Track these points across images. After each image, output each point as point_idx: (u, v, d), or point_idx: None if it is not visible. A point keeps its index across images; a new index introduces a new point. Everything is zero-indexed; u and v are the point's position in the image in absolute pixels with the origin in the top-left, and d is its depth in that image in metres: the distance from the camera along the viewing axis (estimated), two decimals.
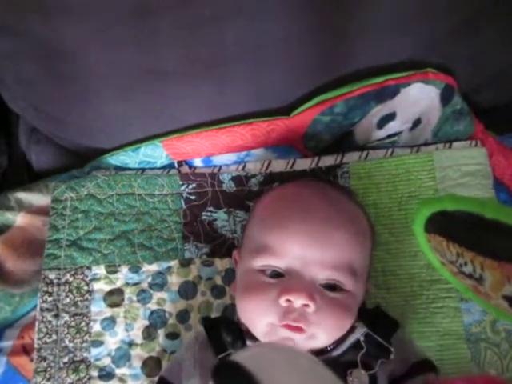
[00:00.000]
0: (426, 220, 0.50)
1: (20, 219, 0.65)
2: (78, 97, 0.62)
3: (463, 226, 0.45)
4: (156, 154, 0.67)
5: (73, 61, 0.57)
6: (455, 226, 0.47)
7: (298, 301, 0.47)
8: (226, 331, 0.51)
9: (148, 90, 0.60)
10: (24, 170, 0.75)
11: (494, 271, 0.45)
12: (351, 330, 0.50)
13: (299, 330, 0.47)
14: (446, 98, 0.64)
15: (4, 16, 0.54)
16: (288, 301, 0.47)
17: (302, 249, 0.49)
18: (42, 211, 0.66)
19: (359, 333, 0.50)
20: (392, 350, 0.48)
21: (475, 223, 0.43)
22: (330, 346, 0.49)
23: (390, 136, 0.66)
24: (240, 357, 0.35)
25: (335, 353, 0.49)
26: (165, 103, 0.62)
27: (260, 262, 0.50)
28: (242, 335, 0.51)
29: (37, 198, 0.66)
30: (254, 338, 0.50)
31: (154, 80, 0.59)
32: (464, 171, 0.62)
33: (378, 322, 0.51)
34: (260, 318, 0.49)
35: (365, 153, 0.66)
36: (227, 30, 0.54)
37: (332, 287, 0.49)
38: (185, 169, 0.68)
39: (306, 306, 0.47)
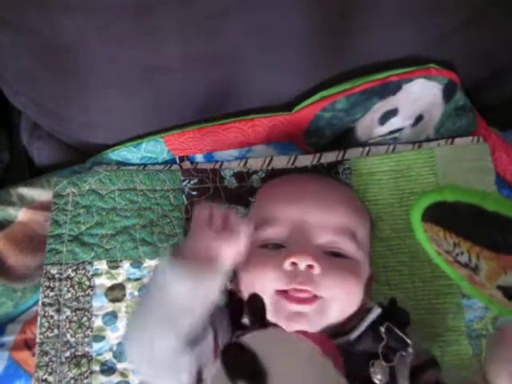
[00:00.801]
0: (423, 209, 0.50)
1: (22, 214, 0.65)
2: (79, 92, 0.62)
3: (462, 216, 0.45)
4: (157, 149, 0.67)
5: (74, 56, 0.57)
6: (454, 217, 0.47)
7: (303, 262, 0.47)
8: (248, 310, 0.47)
9: (149, 86, 0.60)
10: (26, 166, 0.75)
11: (490, 261, 0.46)
12: (367, 310, 0.50)
13: (305, 301, 0.46)
14: (448, 94, 0.64)
15: (5, 11, 0.54)
16: (293, 264, 0.47)
17: (303, 214, 0.50)
18: (43, 206, 0.66)
19: (375, 313, 0.50)
20: (410, 343, 0.48)
21: (475, 214, 0.43)
22: (347, 327, 0.49)
23: (391, 132, 0.66)
24: (248, 339, 0.36)
25: (354, 334, 0.48)
26: (166, 99, 0.62)
27: (262, 236, 0.50)
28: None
29: (38, 194, 0.67)
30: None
31: (155, 76, 0.59)
32: (466, 167, 0.62)
33: (394, 314, 0.51)
34: (266, 285, 0.47)
35: (366, 149, 0.65)
36: (229, 27, 0.54)
37: (336, 254, 0.50)
38: (186, 164, 0.68)
39: (311, 267, 0.47)
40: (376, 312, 0.50)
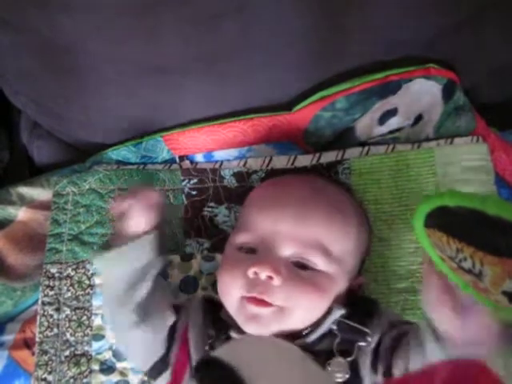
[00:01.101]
0: (426, 215, 0.50)
1: (22, 214, 0.66)
2: (79, 92, 0.62)
3: (464, 221, 0.45)
4: (157, 148, 0.67)
5: (74, 56, 0.57)
6: (456, 222, 0.47)
7: (263, 273, 0.48)
8: (212, 323, 0.51)
9: (149, 85, 0.60)
10: (25, 165, 0.75)
11: (494, 267, 0.45)
12: (328, 312, 0.49)
13: (264, 303, 0.47)
14: (447, 93, 0.64)
15: (5, 11, 0.54)
16: (255, 273, 0.48)
17: (274, 223, 0.50)
18: (43, 206, 0.66)
19: (336, 314, 0.49)
20: (368, 331, 0.48)
21: (476, 219, 0.43)
22: (305, 331, 0.49)
23: (391, 132, 0.66)
24: (221, 352, 0.35)
25: (311, 338, 0.48)
26: (166, 98, 0.62)
27: (238, 240, 0.52)
28: (226, 327, 0.50)
29: (38, 193, 0.67)
30: (237, 329, 0.50)
31: (155, 75, 0.59)
32: (465, 167, 0.62)
33: (355, 306, 0.50)
34: (231, 290, 0.50)
35: (366, 149, 0.65)
36: (229, 26, 0.54)
37: (303, 266, 0.50)
38: (186, 164, 0.68)
39: (271, 278, 0.47)
40: (336, 314, 0.49)
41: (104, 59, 0.57)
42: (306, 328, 0.49)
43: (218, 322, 0.51)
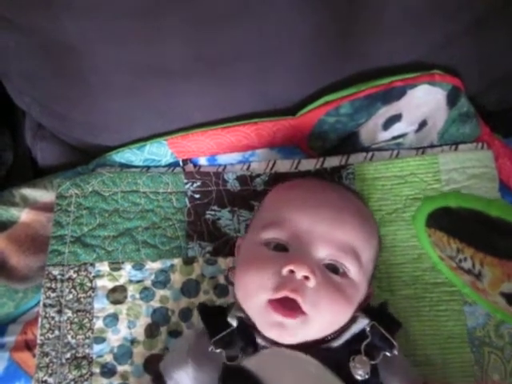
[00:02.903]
0: (427, 215, 0.50)
1: (24, 215, 0.65)
2: (83, 93, 0.62)
3: (466, 222, 0.45)
4: (161, 151, 0.67)
5: (78, 57, 0.57)
6: (457, 223, 0.47)
7: (301, 272, 0.45)
8: (238, 337, 0.48)
9: (153, 88, 0.60)
10: (29, 167, 0.75)
11: (493, 268, 0.45)
12: (352, 320, 0.49)
13: (290, 313, 0.46)
14: (452, 100, 0.64)
15: (9, 11, 0.54)
16: (291, 272, 0.46)
17: (311, 222, 0.49)
18: (46, 207, 0.66)
19: (361, 324, 0.49)
20: (396, 344, 0.48)
21: (479, 221, 0.43)
22: (329, 336, 0.48)
23: (395, 137, 0.66)
24: (247, 362, 0.35)
25: (335, 343, 0.48)
26: (170, 101, 0.62)
27: (265, 236, 0.50)
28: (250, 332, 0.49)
29: (41, 195, 0.67)
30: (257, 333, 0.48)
31: (160, 78, 0.59)
32: (470, 174, 0.62)
33: (383, 317, 0.51)
34: (259, 292, 0.47)
35: (370, 154, 0.65)
36: (234, 29, 0.54)
37: (335, 270, 0.49)
38: (189, 167, 0.68)
39: (307, 278, 0.46)
40: (361, 323, 0.49)
41: (107, 61, 0.57)
42: (330, 334, 0.49)
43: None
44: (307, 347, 0.47)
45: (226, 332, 0.48)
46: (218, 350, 0.47)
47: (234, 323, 0.49)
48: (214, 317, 0.51)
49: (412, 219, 0.56)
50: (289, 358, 0.39)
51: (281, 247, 0.49)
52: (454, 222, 0.47)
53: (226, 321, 0.50)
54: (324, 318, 0.47)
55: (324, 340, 0.48)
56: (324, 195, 0.53)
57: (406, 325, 0.58)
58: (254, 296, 0.48)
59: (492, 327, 0.57)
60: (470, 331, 0.58)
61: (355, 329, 0.49)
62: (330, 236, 0.49)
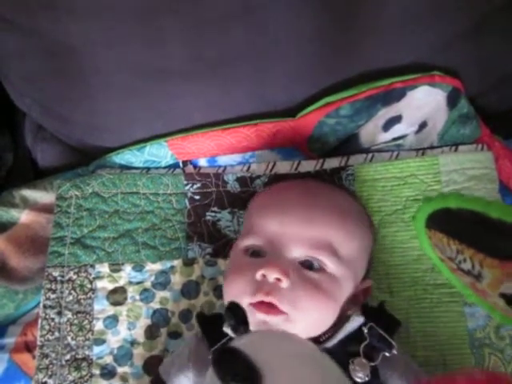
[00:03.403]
0: (427, 216, 0.50)
1: (24, 216, 0.65)
2: (84, 95, 0.62)
3: (465, 223, 0.45)
4: (161, 153, 0.67)
5: (79, 58, 0.57)
6: (457, 224, 0.47)
7: (272, 275, 0.47)
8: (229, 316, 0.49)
9: (154, 89, 0.61)
10: (29, 168, 0.75)
11: (493, 269, 0.45)
12: (346, 318, 0.49)
13: (272, 311, 0.47)
14: (452, 101, 0.64)
15: (12, 13, 0.54)
16: (263, 276, 0.48)
17: (281, 225, 0.50)
18: (46, 209, 0.66)
19: (356, 322, 0.49)
20: (394, 344, 0.48)
21: (478, 222, 0.43)
22: (323, 337, 0.49)
23: (395, 139, 0.66)
24: (239, 343, 0.35)
25: (330, 343, 0.48)
26: (170, 102, 0.62)
27: (243, 243, 0.52)
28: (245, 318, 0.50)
29: (41, 196, 0.67)
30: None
31: (160, 79, 0.59)
32: (470, 175, 0.62)
33: (382, 317, 0.51)
34: (238, 297, 0.49)
35: (370, 155, 0.65)
36: (234, 30, 0.54)
37: (311, 266, 0.49)
38: (189, 169, 0.68)
39: (280, 280, 0.47)
40: (356, 321, 0.49)
41: (108, 62, 0.58)
42: (324, 334, 0.49)
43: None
44: None
45: (224, 340, 0.49)
46: None
47: (230, 332, 0.49)
48: (213, 326, 0.52)
49: (412, 220, 0.56)
50: (284, 337, 0.38)
51: (258, 253, 0.51)
52: (454, 223, 0.47)
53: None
54: (306, 314, 0.48)
55: (318, 340, 0.49)
56: (296, 194, 0.54)
57: (407, 326, 0.58)
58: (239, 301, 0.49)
59: (492, 329, 0.57)
60: (471, 332, 0.57)
61: (350, 327, 0.49)
62: (302, 235, 0.50)
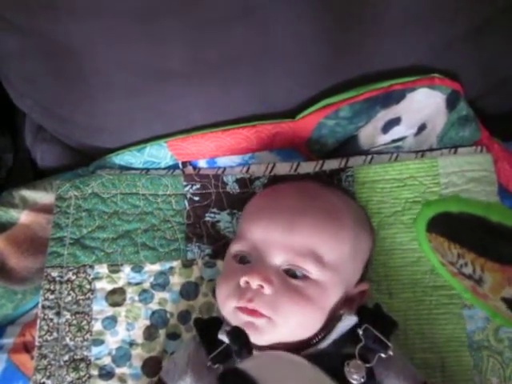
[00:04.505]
0: (428, 220, 0.50)
1: (24, 217, 0.65)
2: (84, 95, 0.62)
3: (466, 227, 0.45)
4: (161, 154, 0.67)
5: (80, 59, 0.58)
6: (458, 228, 0.46)
7: (254, 282, 0.48)
8: (233, 340, 0.49)
9: (154, 90, 0.61)
10: (29, 168, 0.75)
11: (494, 273, 0.45)
12: (337, 318, 0.50)
13: (256, 314, 0.48)
14: (451, 103, 0.64)
15: (12, 14, 0.54)
16: (247, 283, 0.49)
17: (265, 232, 0.51)
18: (46, 209, 0.66)
19: (349, 321, 0.49)
20: (390, 345, 0.48)
21: (479, 226, 0.43)
22: (315, 338, 0.49)
23: (394, 141, 0.66)
24: (245, 365, 0.36)
25: (322, 345, 0.48)
26: (170, 103, 0.63)
27: (233, 249, 0.53)
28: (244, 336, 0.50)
29: (41, 196, 0.67)
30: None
31: (161, 80, 0.59)
32: (469, 177, 0.62)
33: (378, 319, 0.51)
34: (226, 301, 0.50)
35: (369, 157, 0.65)
36: (234, 31, 0.54)
37: (295, 274, 0.50)
38: (189, 170, 0.68)
39: (262, 287, 0.48)
40: (348, 320, 0.49)
41: (108, 63, 0.58)
42: (316, 336, 0.49)
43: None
44: (297, 350, 0.48)
45: (222, 347, 0.50)
46: (216, 366, 0.50)
47: (225, 339, 0.50)
48: (211, 331, 0.52)
49: (413, 224, 0.56)
50: (286, 360, 0.39)
51: (244, 259, 0.52)
52: (455, 227, 0.47)
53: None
54: (289, 320, 0.48)
55: (310, 343, 0.49)
56: (282, 200, 0.54)
57: (405, 328, 0.58)
58: (224, 305, 0.51)
59: (491, 331, 0.57)
60: (469, 335, 0.57)
61: (342, 327, 0.49)
62: (284, 242, 0.50)
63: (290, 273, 0.50)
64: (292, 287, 0.49)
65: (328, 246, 0.51)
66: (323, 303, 0.50)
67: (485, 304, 0.52)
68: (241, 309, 0.49)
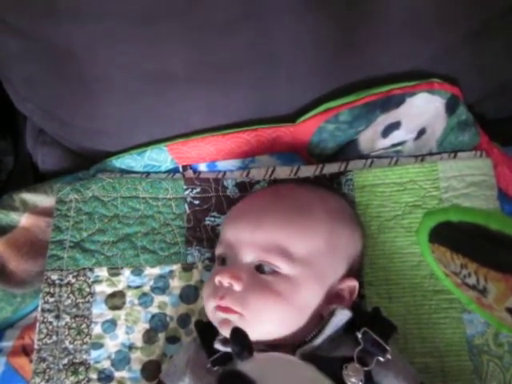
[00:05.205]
0: (430, 230, 0.49)
1: (24, 220, 0.66)
2: (85, 99, 0.63)
3: (467, 237, 0.44)
4: (161, 157, 0.67)
5: (81, 63, 0.58)
6: (459, 237, 0.46)
7: (224, 280, 0.50)
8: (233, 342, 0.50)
9: (155, 94, 0.61)
10: (30, 171, 0.75)
11: (497, 283, 0.45)
12: (331, 314, 0.50)
13: (229, 310, 0.49)
14: (451, 108, 0.64)
15: (14, 18, 0.55)
16: (220, 282, 0.51)
17: (236, 232, 0.53)
18: (46, 212, 0.66)
19: (342, 315, 0.49)
20: (388, 349, 0.48)
21: (480, 235, 0.42)
22: (308, 336, 0.49)
23: (394, 145, 0.66)
24: (244, 367, 0.36)
25: (317, 341, 0.49)
26: (171, 107, 0.63)
27: (216, 252, 0.56)
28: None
29: (41, 199, 0.67)
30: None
31: (161, 83, 0.59)
32: (468, 181, 0.62)
33: (376, 322, 0.51)
34: (207, 302, 0.53)
35: (369, 161, 0.66)
36: (235, 35, 0.54)
37: (264, 270, 0.51)
38: (189, 173, 0.68)
39: (232, 285, 0.50)
40: (342, 314, 0.50)
41: (110, 67, 0.58)
42: (310, 332, 0.49)
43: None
44: (293, 348, 0.48)
45: (221, 352, 0.51)
46: (216, 368, 0.50)
47: (221, 347, 0.51)
48: (211, 333, 0.52)
49: (415, 235, 0.55)
50: (285, 362, 0.39)
51: (224, 261, 0.54)
52: (456, 236, 0.47)
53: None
54: (260, 315, 0.49)
55: (305, 340, 0.49)
56: (253, 201, 0.57)
57: (405, 332, 0.57)
58: (207, 306, 0.53)
59: (491, 335, 0.57)
60: (469, 339, 0.57)
61: (337, 321, 0.49)
62: (252, 239, 0.52)
63: (261, 269, 0.51)
64: (262, 283, 0.50)
65: (297, 241, 0.52)
66: (296, 298, 0.50)
67: (491, 315, 0.52)
68: (218, 308, 0.50)
